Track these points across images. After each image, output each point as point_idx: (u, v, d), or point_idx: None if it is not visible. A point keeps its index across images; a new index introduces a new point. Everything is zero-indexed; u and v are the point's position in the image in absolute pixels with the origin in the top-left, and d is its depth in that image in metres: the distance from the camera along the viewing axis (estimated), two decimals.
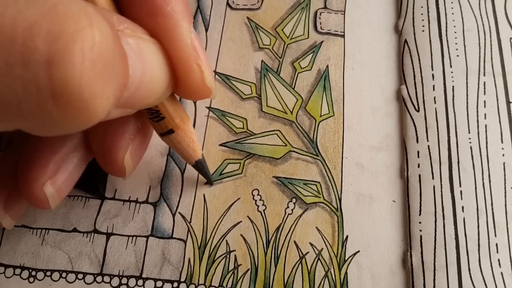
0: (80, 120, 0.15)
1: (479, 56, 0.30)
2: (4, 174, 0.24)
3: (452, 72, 0.29)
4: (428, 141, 0.28)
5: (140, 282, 0.26)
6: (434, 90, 0.29)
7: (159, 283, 0.26)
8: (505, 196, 0.26)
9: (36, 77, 0.14)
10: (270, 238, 0.26)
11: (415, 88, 0.29)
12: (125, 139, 0.23)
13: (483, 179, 0.27)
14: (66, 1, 0.15)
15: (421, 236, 0.26)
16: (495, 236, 0.25)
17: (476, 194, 0.26)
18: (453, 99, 0.28)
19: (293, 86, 0.30)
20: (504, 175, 0.27)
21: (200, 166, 0.26)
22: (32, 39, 0.14)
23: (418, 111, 0.29)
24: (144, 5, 0.20)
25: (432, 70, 0.29)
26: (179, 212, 0.27)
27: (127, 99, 0.18)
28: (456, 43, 0.30)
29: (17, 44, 0.14)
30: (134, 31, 0.19)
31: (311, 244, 0.26)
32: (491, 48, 0.30)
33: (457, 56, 0.30)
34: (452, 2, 0.31)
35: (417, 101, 0.29)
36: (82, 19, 0.14)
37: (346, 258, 0.26)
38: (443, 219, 0.26)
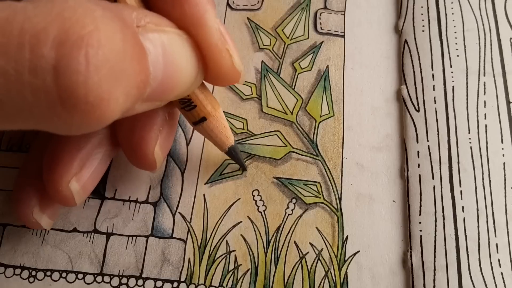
0: (90, 122, 0.15)
1: (479, 56, 0.30)
2: (33, 175, 0.24)
3: (452, 72, 0.29)
4: (428, 141, 0.28)
5: (140, 282, 0.26)
6: (434, 90, 0.29)
7: (159, 283, 0.26)
8: (505, 196, 0.26)
9: (44, 84, 0.14)
10: (270, 238, 0.26)
11: (415, 88, 0.29)
12: (154, 131, 0.23)
13: (483, 179, 0.26)
14: (73, 5, 0.15)
15: (421, 236, 0.26)
16: (495, 236, 0.25)
17: (476, 194, 0.26)
18: (453, 99, 0.28)
19: (293, 87, 0.30)
20: (504, 175, 0.27)
21: (233, 152, 0.26)
22: (39, 46, 0.14)
23: (418, 111, 0.29)
24: None
25: (432, 70, 0.29)
26: (179, 212, 0.27)
27: (152, 93, 0.18)
28: (456, 43, 0.30)
29: (25, 51, 0.14)
30: (158, 24, 0.19)
31: (311, 244, 0.26)
32: (491, 48, 0.30)
33: (457, 56, 0.30)
34: (452, 2, 0.31)
35: (417, 101, 0.29)
36: (88, 24, 0.15)
37: (346, 258, 0.26)
38: (443, 219, 0.26)
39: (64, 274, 0.26)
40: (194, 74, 0.20)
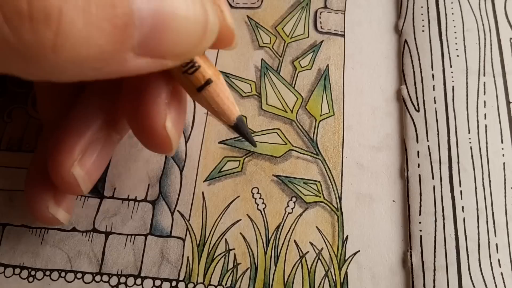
0: (59, 50, 0.14)
1: (479, 56, 0.30)
2: (43, 170, 0.24)
3: (452, 72, 0.29)
4: (428, 141, 0.28)
5: (139, 281, 0.26)
6: (434, 90, 0.29)
7: (157, 282, 0.25)
8: (505, 196, 0.26)
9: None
10: (270, 237, 0.26)
11: (415, 88, 0.29)
12: (160, 104, 0.21)
13: (483, 179, 0.27)
14: None
15: (421, 236, 0.26)
16: (495, 236, 0.25)
17: (476, 194, 0.26)
18: (453, 99, 0.29)
19: (293, 85, 0.30)
20: (504, 175, 0.27)
21: (241, 123, 0.22)
22: None
23: (418, 111, 0.29)
24: None
25: (432, 70, 0.29)
26: (178, 210, 0.27)
27: (145, 42, 0.16)
28: (456, 43, 0.30)
29: None
30: None
31: (311, 244, 0.26)
32: (491, 48, 0.30)
33: (457, 56, 0.30)
34: (452, 2, 0.31)
35: (417, 101, 0.29)
36: None
37: (346, 258, 0.26)
38: (443, 219, 0.26)
39: (63, 274, 0.26)
40: (204, 21, 0.17)
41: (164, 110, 0.21)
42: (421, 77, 0.29)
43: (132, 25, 0.15)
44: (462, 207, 0.26)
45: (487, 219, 0.26)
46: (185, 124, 0.25)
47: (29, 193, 0.24)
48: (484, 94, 0.29)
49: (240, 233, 0.27)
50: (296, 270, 0.26)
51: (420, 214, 0.26)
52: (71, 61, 0.14)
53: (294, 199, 0.27)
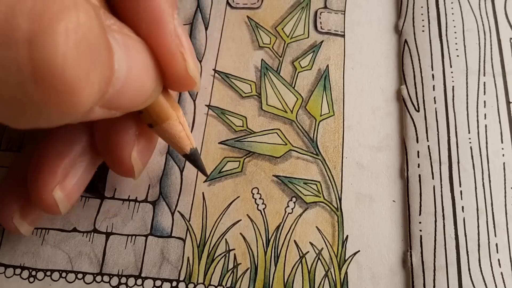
0: (63, 106, 0.14)
1: (479, 56, 0.30)
2: (17, 181, 0.24)
3: (452, 72, 0.29)
4: (428, 141, 0.28)
5: (139, 281, 0.26)
6: (434, 90, 0.29)
7: (158, 282, 0.26)
8: (505, 196, 0.26)
9: (17, 57, 0.13)
10: (270, 237, 0.26)
11: (415, 88, 0.29)
12: (129, 135, 0.23)
13: (483, 179, 0.27)
14: None
15: (421, 236, 0.26)
16: (495, 236, 0.25)
17: (476, 194, 0.26)
18: (453, 99, 0.29)
19: (293, 85, 0.30)
20: (504, 175, 0.27)
21: (191, 157, 0.24)
22: (14, 17, 0.13)
23: (418, 111, 0.29)
24: None
25: (432, 70, 0.29)
26: (178, 211, 0.27)
27: (112, 98, 0.17)
28: (456, 43, 0.30)
29: None
30: (121, 28, 0.18)
31: (311, 244, 0.26)
32: (491, 48, 0.30)
33: (457, 56, 0.30)
34: (452, 2, 0.31)
35: (417, 101, 0.29)
36: (67, 0, 0.14)
37: (346, 258, 0.26)
38: (443, 219, 0.26)
39: (64, 274, 0.26)
40: (153, 85, 0.19)
41: (132, 141, 0.23)
42: (421, 77, 0.29)
43: (111, 85, 0.16)
44: (462, 207, 0.26)
45: (487, 219, 0.26)
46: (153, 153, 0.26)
47: None
48: (484, 94, 0.29)
49: (240, 234, 0.27)
50: (296, 270, 0.26)
51: (420, 214, 0.26)
52: (68, 108, 0.15)
53: (294, 199, 0.27)
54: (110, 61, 0.16)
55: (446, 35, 0.30)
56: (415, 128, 0.28)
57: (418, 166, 0.27)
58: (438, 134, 0.28)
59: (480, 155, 0.27)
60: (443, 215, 0.26)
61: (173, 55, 0.20)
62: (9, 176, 0.25)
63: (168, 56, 0.20)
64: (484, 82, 0.29)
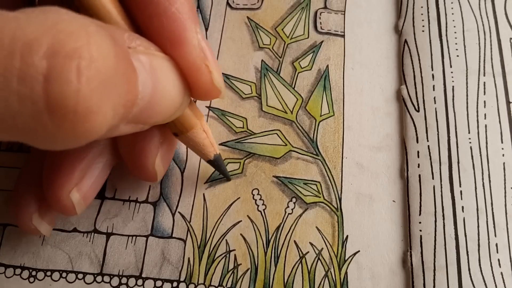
0: (77, 134, 0.15)
1: (479, 56, 0.30)
2: (33, 182, 0.24)
3: (452, 72, 0.29)
4: (428, 141, 0.28)
5: (140, 281, 0.26)
6: (434, 90, 0.29)
7: (158, 283, 0.26)
8: (505, 196, 0.26)
9: (32, 92, 0.14)
10: (270, 237, 0.26)
11: (415, 88, 0.29)
12: (154, 143, 0.23)
13: (483, 179, 0.27)
14: (67, 19, 0.15)
15: (421, 236, 0.26)
16: (495, 236, 0.25)
17: (476, 194, 0.26)
18: (453, 99, 0.28)
19: (293, 86, 0.30)
20: (504, 175, 0.27)
21: (216, 163, 0.26)
22: (31, 55, 0.14)
23: (418, 111, 0.29)
24: (148, 7, 0.20)
25: (432, 70, 0.29)
26: (178, 212, 0.27)
27: (138, 115, 0.18)
28: (456, 43, 0.30)
29: (16, 59, 0.14)
30: (148, 48, 0.19)
31: (311, 244, 0.26)
32: (491, 48, 0.30)
33: (457, 56, 0.30)
34: (452, 2, 0.31)
35: (417, 101, 0.29)
36: (81, 37, 0.15)
37: (346, 258, 0.26)
38: (443, 219, 0.26)
39: (64, 274, 0.26)
40: (180, 100, 0.20)
41: (156, 149, 0.24)
42: (421, 77, 0.29)
43: (136, 105, 0.17)
44: (462, 207, 0.26)
45: (487, 219, 0.26)
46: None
47: (16, 201, 0.24)
48: (484, 94, 0.29)
49: (241, 234, 0.27)
50: (296, 270, 0.26)
51: (420, 214, 0.26)
52: (81, 136, 0.16)
53: (294, 199, 0.27)
54: (133, 84, 0.17)
55: (446, 35, 0.30)
56: (415, 128, 0.28)
57: (418, 166, 0.27)
58: (438, 134, 0.28)
59: (480, 155, 0.27)
60: (443, 215, 0.26)
61: (198, 69, 0.21)
62: (23, 177, 0.25)
63: (194, 70, 0.21)
64: (484, 82, 0.29)
